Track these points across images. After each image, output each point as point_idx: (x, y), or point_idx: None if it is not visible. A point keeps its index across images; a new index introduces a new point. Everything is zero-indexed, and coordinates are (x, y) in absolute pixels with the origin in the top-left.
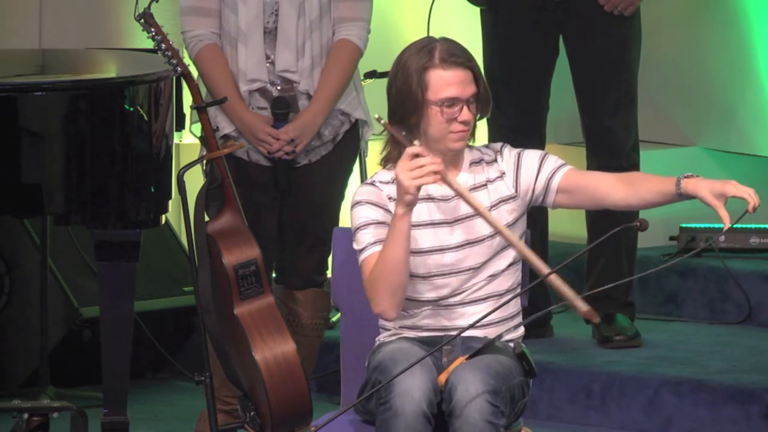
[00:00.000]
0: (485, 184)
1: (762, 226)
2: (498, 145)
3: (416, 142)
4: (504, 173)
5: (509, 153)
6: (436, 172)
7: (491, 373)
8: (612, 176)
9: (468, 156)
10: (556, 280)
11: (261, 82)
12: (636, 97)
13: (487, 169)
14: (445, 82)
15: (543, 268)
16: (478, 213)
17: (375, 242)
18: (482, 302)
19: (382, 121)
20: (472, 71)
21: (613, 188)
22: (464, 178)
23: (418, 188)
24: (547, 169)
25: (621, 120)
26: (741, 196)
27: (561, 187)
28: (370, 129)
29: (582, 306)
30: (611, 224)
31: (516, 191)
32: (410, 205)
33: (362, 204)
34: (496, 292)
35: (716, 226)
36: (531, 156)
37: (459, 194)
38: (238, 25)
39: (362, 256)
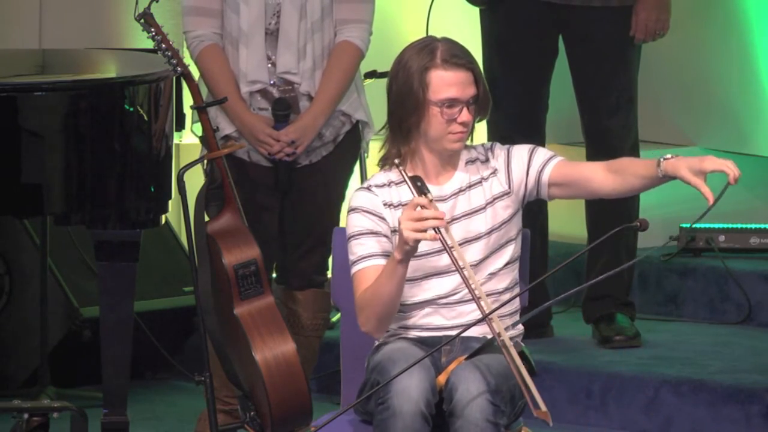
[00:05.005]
0: (480, 182)
1: (762, 226)
2: (488, 144)
3: (430, 196)
4: (496, 170)
5: (499, 150)
6: (437, 230)
7: (491, 372)
8: (601, 166)
9: (464, 155)
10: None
11: (262, 83)
12: (636, 97)
13: (481, 168)
14: (445, 83)
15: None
16: (458, 270)
17: (367, 256)
18: (481, 300)
19: (401, 168)
20: (473, 72)
21: (604, 179)
22: (460, 177)
23: (417, 242)
24: (537, 163)
25: (621, 120)
26: (719, 169)
27: (552, 180)
28: (371, 130)
29: (541, 406)
30: (611, 224)
31: (509, 187)
32: (408, 254)
33: (357, 211)
34: (494, 290)
35: (716, 226)
36: (520, 150)
37: (449, 250)
38: (239, 25)
39: (354, 269)
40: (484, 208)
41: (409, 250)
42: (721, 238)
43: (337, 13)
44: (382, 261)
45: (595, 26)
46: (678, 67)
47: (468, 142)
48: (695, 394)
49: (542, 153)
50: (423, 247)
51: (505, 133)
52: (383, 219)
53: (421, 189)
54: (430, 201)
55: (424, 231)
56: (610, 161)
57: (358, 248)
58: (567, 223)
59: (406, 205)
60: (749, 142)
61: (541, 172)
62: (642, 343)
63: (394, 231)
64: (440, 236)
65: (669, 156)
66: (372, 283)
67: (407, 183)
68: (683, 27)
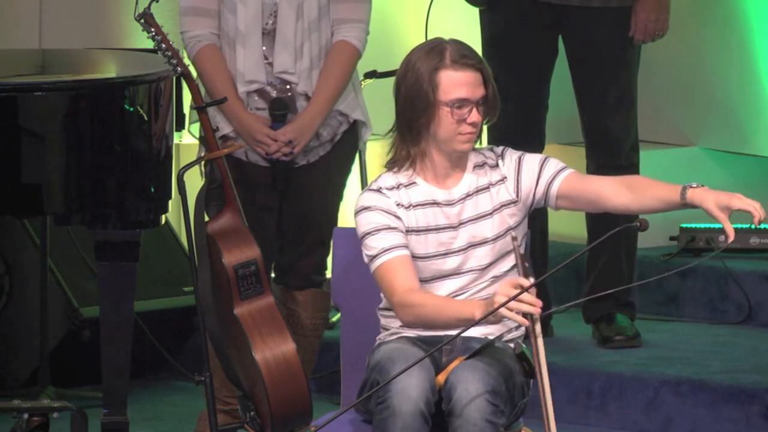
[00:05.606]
0: (487, 188)
1: (762, 226)
2: (500, 148)
3: (532, 280)
4: (505, 177)
5: (510, 157)
6: (528, 316)
7: (491, 372)
8: (614, 180)
9: (472, 158)
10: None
11: (259, 83)
12: (635, 97)
13: (490, 173)
14: (455, 83)
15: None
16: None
17: (390, 248)
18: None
19: (516, 243)
20: (482, 73)
21: (614, 193)
22: (468, 180)
23: (504, 317)
24: (547, 174)
25: (620, 120)
26: (746, 209)
27: (561, 192)
28: (368, 130)
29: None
30: (611, 224)
31: (517, 196)
32: (488, 321)
33: (371, 210)
34: None
35: (716, 226)
36: (531, 160)
37: (534, 338)
38: (236, 26)
39: (377, 263)
40: (490, 214)
41: (492, 320)
42: (721, 238)
43: (334, 12)
44: (405, 252)
45: (594, 27)
46: (678, 67)
47: (477, 145)
48: (695, 394)
49: (553, 164)
50: (428, 249)
51: (504, 133)
52: (399, 218)
53: (528, 271)
54: (532, 286)
55: (514, 314)
56: (624, 176)
57: (377, 242)
58: (567, 223)
59: (429, 203)
60: (749, 142)
61: (550, 183)
62: (642, 343)
63: (409, 231)
64: (530, 323)
65: (694, 185)
66: (431, 298)
67: (517, 260)
68: (683, 27)
